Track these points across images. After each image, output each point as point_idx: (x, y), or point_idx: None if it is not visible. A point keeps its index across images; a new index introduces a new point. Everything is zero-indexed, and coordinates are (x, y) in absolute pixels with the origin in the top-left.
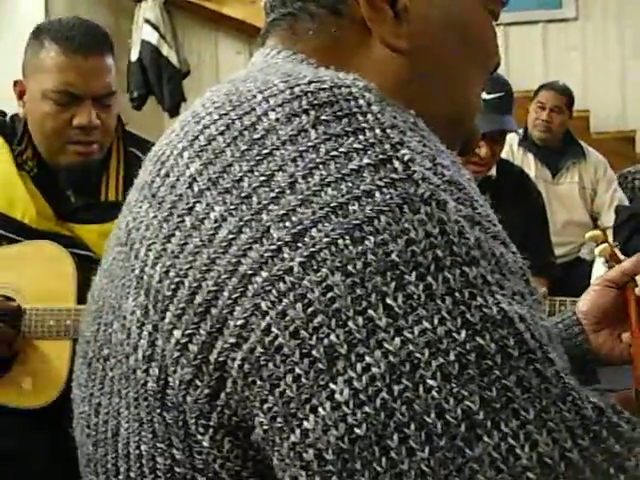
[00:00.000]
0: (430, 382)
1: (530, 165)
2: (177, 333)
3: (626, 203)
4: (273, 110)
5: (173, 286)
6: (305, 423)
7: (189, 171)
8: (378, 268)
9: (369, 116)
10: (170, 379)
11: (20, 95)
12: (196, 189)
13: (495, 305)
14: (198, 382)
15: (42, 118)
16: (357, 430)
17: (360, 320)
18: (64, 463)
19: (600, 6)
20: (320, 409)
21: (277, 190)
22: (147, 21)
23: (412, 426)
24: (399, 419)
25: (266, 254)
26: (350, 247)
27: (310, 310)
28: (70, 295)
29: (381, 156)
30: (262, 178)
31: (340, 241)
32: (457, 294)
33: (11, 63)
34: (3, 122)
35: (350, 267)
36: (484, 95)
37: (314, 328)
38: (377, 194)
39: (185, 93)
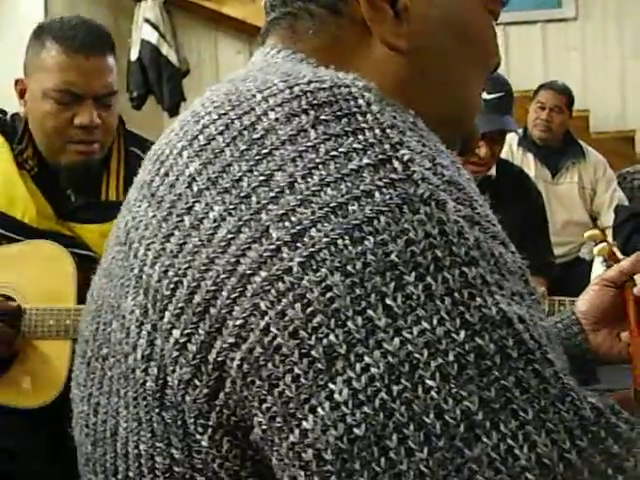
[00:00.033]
0: (429, 382)
1: (530, 165)
2: (176, 333)
3: (626, 203)
4: (273, 110)
5: (172, 286)
6: (304, 423)
7: (188, 170)
8: (377, 268)
9: (369, 116)
10: (169, 379)
11: (21, 94)
12: (195, 189)
13: (494, 305)
14: (197, 382)
15: (43, 117)
16: (356, 430)
17: (359, 320)
18: (63, 462)
19: (599, 6)
20: (319, 409)
21: (276, 190)
22: (147, 20)
23: (411, 426)
24: (398, 419)
25: (265, 254)
26: (349, 247)
27: (309, 310)
28: (70, 295)
29: (381, 156)
30: (261, 178)
31: (339, 241)
32: (456, 294)
33: (11, 62)
34: (4, 121)
35: (349, 267)
36: (484, 95)
37: (313, 328)
38: (377, 194)
39: (185, 92)
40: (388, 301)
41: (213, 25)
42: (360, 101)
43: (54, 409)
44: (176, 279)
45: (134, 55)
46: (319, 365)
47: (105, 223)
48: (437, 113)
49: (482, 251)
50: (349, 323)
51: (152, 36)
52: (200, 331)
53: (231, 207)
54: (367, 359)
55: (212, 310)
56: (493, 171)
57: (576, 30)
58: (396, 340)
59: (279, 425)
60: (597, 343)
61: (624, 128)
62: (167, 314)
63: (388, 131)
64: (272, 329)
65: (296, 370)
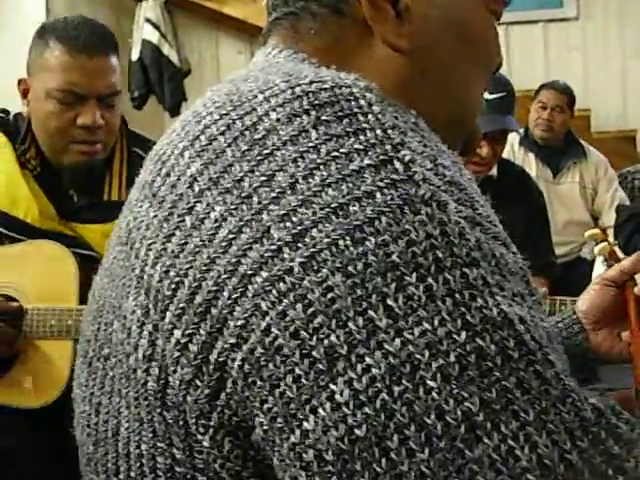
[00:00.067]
0: (430, 383)
1: (531, 165)
2: (177, 333)
3: (627, 203)
4: (274, 110)
5: (173, 286)
6: (305, 424)
7: (190, 171)
8: (379, 269)
9: (370, 116)
10: (170, 379)
11: (24, 94)
12: (197, 189)
13: (495, 306)
14: (198, 382)
15: (46, 117)
16: (357, 431)
17: (360, 321)
18: (64, 462)
19: (601, 6)
20: (320, 410)
21: (278, 190)
22: (148, 20)
23: (412, 427)
24: (399, 420)
25: (266, 254)
26: (351, 248)
27: (310, 311)
28: (72, 295)
29: (382, 157)
30: (263, 178)
31: (341, 242)
32: (457, 295)
33: (13, 62)
34: (6, 121)
35: (351, 268)
36: (486, 95)
37: (314, 329)
38: (378, 195)
39: (186, 92)
40: (389, 302)
41: (214, 25)
42: (361, 101)
43: (55, 409)
44: (177, 279)
45: (135, 55)
46: (320, 366)
47: (107, 223)
48: (438, 113)
49: (483, 252)
50: (350, 324)
51: (153, 36)
52: (201, 331)
53: (232, 207)
54: (368, 360)
55: (213, 310)
56: (494, 171)
57: (578, 30)
58: (397, 341)
59: (280, 425)
60: (598, 342)
61: (625, 128)
62: (168, 314)
63: (389, 132)
64: (273, 329)
65: (297, 371)
